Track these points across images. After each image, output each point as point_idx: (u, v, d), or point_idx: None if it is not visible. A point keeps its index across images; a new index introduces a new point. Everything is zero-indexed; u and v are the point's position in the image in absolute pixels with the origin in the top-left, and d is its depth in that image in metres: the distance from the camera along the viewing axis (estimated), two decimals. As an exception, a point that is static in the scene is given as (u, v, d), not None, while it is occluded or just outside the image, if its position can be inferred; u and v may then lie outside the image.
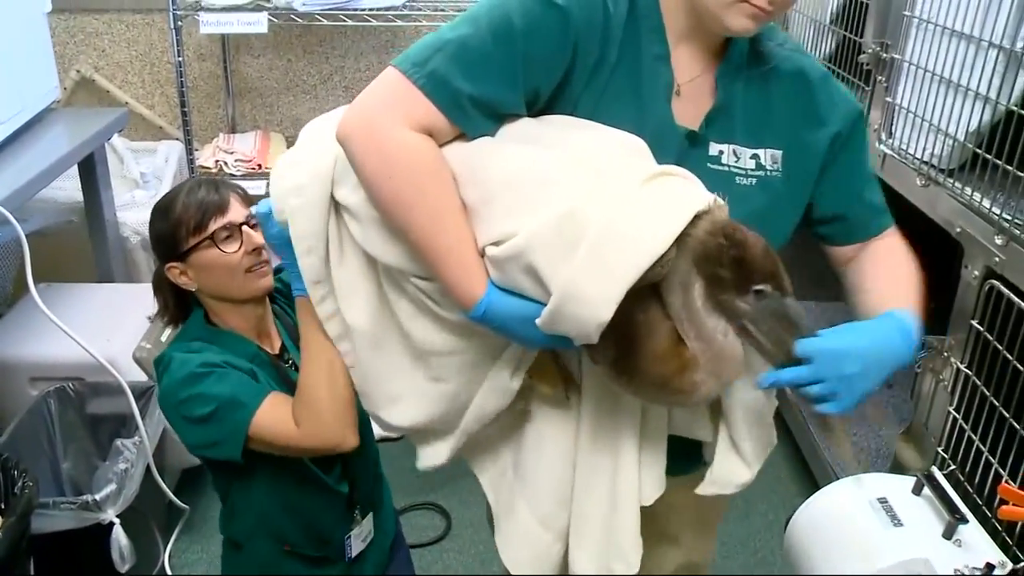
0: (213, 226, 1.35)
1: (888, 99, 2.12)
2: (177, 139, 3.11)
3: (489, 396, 1.14)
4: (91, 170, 2.51)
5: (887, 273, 1.21)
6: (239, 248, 1.35)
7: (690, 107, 1.13)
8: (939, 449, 1.89)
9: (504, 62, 1.02)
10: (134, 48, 3.14)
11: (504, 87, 1.04)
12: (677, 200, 0.98)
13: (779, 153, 1.16)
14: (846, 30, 2.42)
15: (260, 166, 2.90)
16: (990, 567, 1.38)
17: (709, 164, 1.13)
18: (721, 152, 1.13)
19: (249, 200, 1.41)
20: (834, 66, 2.45)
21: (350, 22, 2.81)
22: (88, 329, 2.06)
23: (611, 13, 1.07)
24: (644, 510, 1.20)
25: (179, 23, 2.74)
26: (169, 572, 2.19)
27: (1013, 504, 1.39)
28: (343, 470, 1.44)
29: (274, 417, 1.25)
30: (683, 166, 1.05)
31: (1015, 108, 1.72)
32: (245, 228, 1.37)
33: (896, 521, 1.52)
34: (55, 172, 2.22)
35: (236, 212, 1.37)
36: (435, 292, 1.09)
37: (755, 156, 1.14)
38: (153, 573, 2.14)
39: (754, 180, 1.14)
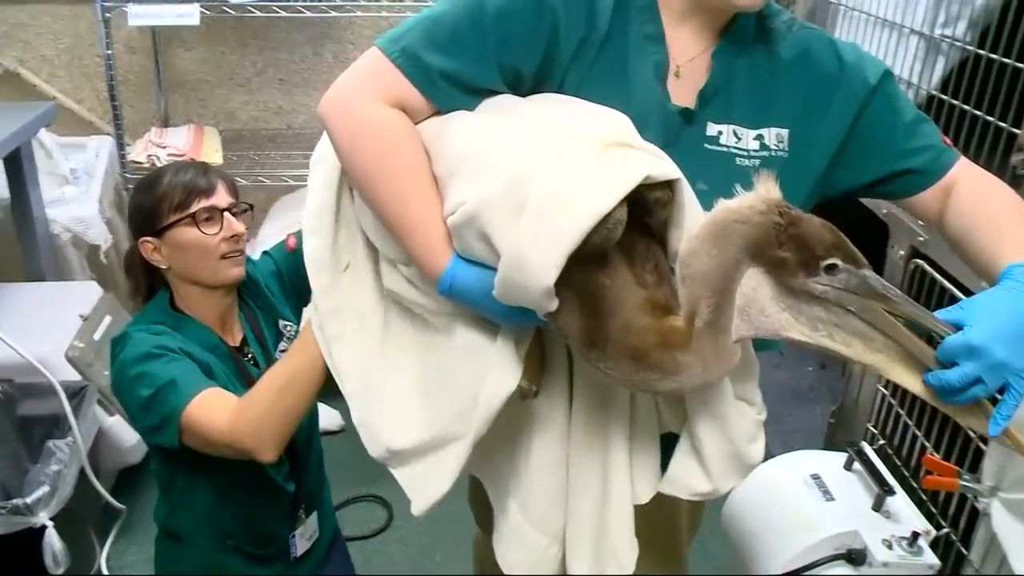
0: (196, 206, 1.35)
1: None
2: (108, 134, 3.04)
3: (498, 378, 1.03)
4: (18, 166, 2.44)
5: (987, 216, 1.10)
6: (219, 232, 1.36)
7: (690, 87, 1.11)
8: (869, 425, 1.95)
9: (475, 39, 1.03)
10: (61, 41, 3.06)
11: (476, 63, 1.04)
12: (627, 165, 0.93)
13: (785, 132, 1.13)
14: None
15: (193, 160, 2.85)
16: (915, 535, 1.43)
17: (706, 144, 1.11)
18: (720, 132, 1.11)
19: (236, 190, 1.43)
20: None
21: (283, 13, 2.77)
22: (18, 329, 2.01)
23: None
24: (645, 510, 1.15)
25: (107, 15, 2.67)
26: (106, 573, 2.15)
27: (937, 474, 1.45)
28: (291, 469, 1.43)
29: (206, 409, 1.22)
30: (677, 146, 1.02)
31: (936, 93, 1.78)
32: (227, 215, 1.37)
33: (828, 496, 1.57)
34: (-22, 168, 2.17)
35: (221, 197, 1.38)
36: (416, 278, 1.07)
37: (759, 136, 1.12)
38: (90, 575, 2.10)
39: (757, 161, 1.11)
